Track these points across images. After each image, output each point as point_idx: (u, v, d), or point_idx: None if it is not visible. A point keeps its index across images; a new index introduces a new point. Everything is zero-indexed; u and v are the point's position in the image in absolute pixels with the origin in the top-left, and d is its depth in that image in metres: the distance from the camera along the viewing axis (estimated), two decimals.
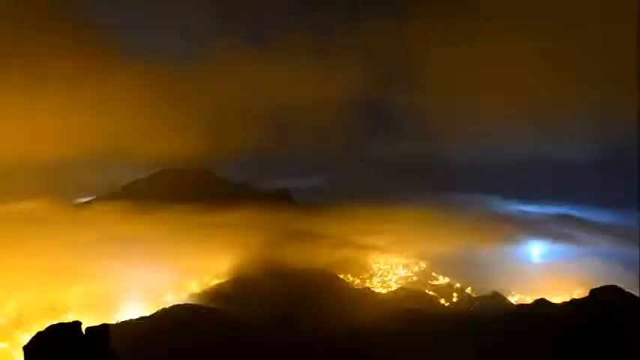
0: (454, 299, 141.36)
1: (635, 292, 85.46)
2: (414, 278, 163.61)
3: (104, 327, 47.88)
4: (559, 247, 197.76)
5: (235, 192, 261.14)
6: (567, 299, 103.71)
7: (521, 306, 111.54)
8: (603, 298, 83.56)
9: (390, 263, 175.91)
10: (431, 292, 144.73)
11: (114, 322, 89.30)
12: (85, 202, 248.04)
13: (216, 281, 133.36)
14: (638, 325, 71.20)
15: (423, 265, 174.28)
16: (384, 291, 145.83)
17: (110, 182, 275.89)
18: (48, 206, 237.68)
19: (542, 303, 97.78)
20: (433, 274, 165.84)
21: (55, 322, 44.99)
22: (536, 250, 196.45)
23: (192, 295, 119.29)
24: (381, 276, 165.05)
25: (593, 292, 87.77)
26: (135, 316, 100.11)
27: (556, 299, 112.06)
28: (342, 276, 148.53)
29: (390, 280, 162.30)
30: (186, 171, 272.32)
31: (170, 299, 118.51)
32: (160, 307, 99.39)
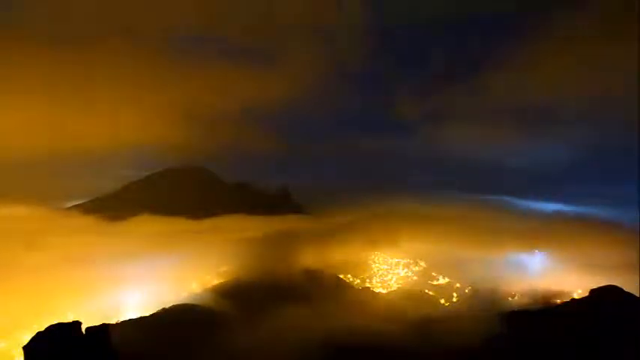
0: (454, 299, 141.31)
1: (635, 292, 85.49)
2: (414, 278, 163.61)
3: (104, 327, 48.00)
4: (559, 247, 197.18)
5: (235, 191, 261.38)
6: (567, 299, 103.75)
7: (521, 306, 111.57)
8: (603, 298, 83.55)
9: (390, 263, 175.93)
10: (431, 292, 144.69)
11: (114, 322, 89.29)
12: (84, 202, 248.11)
13: (216, 281, 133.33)
14: (638, 325, 71.20)
15: (423, 265, 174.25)
16: (384, 291, 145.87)
17: (109, 182, 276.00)
18: (46, 206, 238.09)
19: (542, 303, 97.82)
20: (433, 274, 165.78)
21: (55, 322, 45.05)
22: (536, 250, 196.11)
23: (192, 295, 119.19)
24: (381, 276, 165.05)
25: (593, 292, 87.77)
26: (135, 316, 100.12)
27: (556, 299, 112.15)
28: (342, 276, 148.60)
29: (390, 280, 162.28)
30: (186, 170, 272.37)
31: (170, 299, 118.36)
32: (160, 307, 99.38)
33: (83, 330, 47.27)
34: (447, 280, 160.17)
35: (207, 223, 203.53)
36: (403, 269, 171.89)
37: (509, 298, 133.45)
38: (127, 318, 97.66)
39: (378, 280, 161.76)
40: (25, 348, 43.76)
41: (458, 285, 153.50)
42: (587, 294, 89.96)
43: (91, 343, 45.84)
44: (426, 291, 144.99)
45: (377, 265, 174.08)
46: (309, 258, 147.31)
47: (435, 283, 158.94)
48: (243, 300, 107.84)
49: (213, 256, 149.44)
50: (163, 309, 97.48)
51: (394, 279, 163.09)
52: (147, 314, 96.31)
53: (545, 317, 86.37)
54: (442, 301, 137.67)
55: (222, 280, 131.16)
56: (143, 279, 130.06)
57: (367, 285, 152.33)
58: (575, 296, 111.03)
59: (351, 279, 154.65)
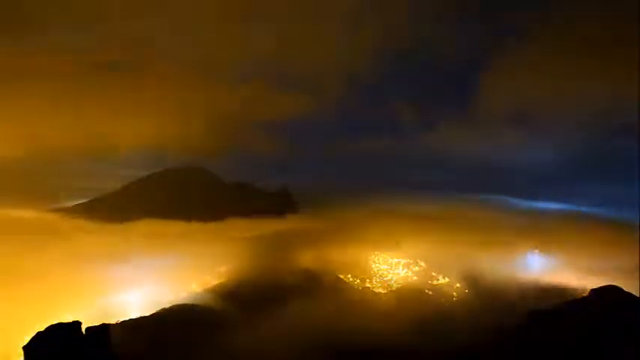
0: (454, 299, 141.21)
1: (635, 292, 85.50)
2: (414, 278, 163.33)
3: (104, 327, 48.02)
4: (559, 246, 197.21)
5: (235, 191, 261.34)
6: (567, 299, 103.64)
7: (521, 306, 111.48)
8: (603, 298, 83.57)
9: (390, 263, 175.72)
10: (431, 292, 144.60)
11: (114, 322, 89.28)
12: (84, 202, 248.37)
13: (216, 281, 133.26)
14: (638, 325, 71.20)
15: (423, 265, 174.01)
16: (384, 291, 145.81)
17: (109, 182, 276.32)
18: (46, 206, 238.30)
19: (542, 303, 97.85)
20: (433, 274, 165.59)
21: (55, 322, 45.04)
22: (536, 250, 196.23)
23: (192, 295, 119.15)
24: (381, 276, 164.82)
25: (593, 292, 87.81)
26: (135, 316, 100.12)
27: (556, 299, 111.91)
28: (342, 276, 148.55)
29: (390, 280, 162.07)
30: (186, 170, 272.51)
31: (170, 299, 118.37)
32: (160, 307, 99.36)
33: (83, 330, 47.29)
34: (447, 280, 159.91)
35: (207, 223, 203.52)
36: (403, 269, 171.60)
37: (510, 298, 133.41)
38: (127, 318, 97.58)
39: (378, 280, 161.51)
40: (25, 348, 43.78)
41: (458, 285, 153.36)
42: (587, 294, 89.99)
43: (91, 343, 45.85)
44: (426, 291, 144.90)
45: (377, 265, 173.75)
46: (309, 258, 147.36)
47: (435, 283, 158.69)
48: (243, 300, 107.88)
49: (213, 256, 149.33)
50: (163, 309, 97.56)
51: (394, 279, 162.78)
52: (147, 314, 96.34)
53: (546, 317, 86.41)
54: (442, 301, 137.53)
55: (222, 280, 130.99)
56: (143, 279, 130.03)
57: (367, 285, 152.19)
58: (576, 296, 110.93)
59: (351, 279, 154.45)
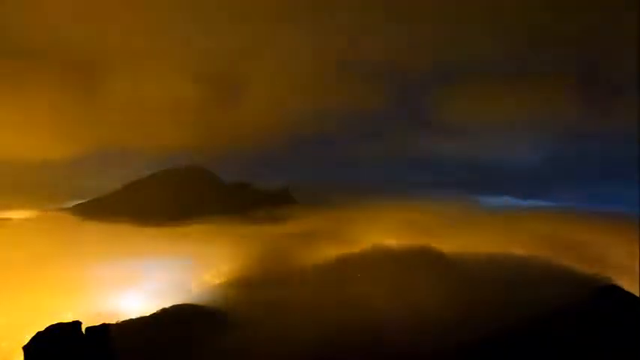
0: (453, 299, 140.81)
1: (636, 292, 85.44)
2: (415, 278, 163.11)
3: (104, 327, 47.92)
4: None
5: (235, 191, 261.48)
6: (566, 299, 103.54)
7: (521, 306, 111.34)
8: (603, 298, 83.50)
9: (390, 263, 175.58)
10: (431, 292, 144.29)
11: (114, 322, 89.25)
12: (84, 202, 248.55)
13: (216, 281, 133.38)
14: (638, 325, 71.17)
15: (423, 265, 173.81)
16: (385, 290, 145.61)
17: (109, 182, 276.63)
18: (46, 206, 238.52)
19: (541, 303, 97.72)
20: (434, 273, 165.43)
21: (55, 322, 44.99)
22: (536, 250, 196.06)
23: (192, 295, 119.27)
24: (381, 275, 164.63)
25: (593, 292, 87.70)
26: (135, 315, 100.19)
27: (555, 299, 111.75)
28: (342, 276, 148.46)
29: (390, 279, 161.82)
30: (186, 171, 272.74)
31: (170, 299, 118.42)
32: (160, 307, 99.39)
33: (83, 330, 47.23)
34: (446, 279, 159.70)
35: (208, 223, 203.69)
36: (404, 268, 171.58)
37: (509, 299, 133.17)
38: (127, 318, 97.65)
39: (379, 279, 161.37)
40: (25, 348, 43.70)
41: (458, 285, 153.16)
42: (586, 294, 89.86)
43: (91, 343, 45.77)
44: (427, 291, 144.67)
45: (377, 264, 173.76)
46: (309, 258, 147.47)
47: (435, 282, 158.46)
48: (243, 300, 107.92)
49: (213, 256, 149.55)
50: (163, 309, 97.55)
51: (395, 278, 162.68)
52: (147, 314, 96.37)
53: (545, 317, 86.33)
54: (442, 300, 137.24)
55: (222, 280, 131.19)
56: (143, 279, 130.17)
57: (368, 284, 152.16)
58: (573, 296, 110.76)
59: (351, 279, 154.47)
